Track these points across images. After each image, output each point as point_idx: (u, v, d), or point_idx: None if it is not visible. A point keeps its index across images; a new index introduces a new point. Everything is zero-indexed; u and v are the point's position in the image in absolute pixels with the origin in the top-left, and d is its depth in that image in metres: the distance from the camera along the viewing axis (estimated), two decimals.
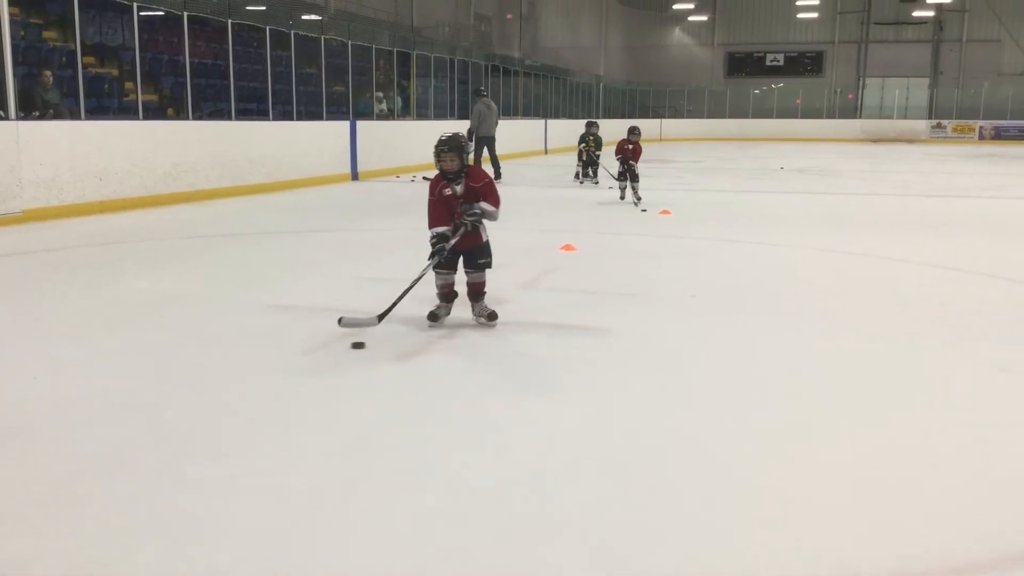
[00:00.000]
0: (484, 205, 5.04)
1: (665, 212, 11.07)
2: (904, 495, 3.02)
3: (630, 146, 12.11)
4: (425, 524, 2.75)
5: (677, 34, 45.91)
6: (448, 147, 4.98)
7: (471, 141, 16.26)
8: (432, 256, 5.02)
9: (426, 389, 4.11)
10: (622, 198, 12.26)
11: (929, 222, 10.99)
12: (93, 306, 5.76)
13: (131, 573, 2.45)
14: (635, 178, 12.06)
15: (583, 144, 15.08)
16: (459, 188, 5.04)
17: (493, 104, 16.88)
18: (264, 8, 15.09)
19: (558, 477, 3.12)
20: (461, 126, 20.92)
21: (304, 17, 16.68)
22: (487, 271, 5.22)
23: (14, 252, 7.80)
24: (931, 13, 40.89)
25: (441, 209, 5.08)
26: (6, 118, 9.46)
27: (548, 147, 26.79)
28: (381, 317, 4.87)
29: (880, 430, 3.64)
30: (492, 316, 5.20)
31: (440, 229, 5.05)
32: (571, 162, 16.55)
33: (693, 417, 3.79)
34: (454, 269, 5.14)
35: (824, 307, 5.97)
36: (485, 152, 16.34)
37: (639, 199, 11.67)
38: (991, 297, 6.47)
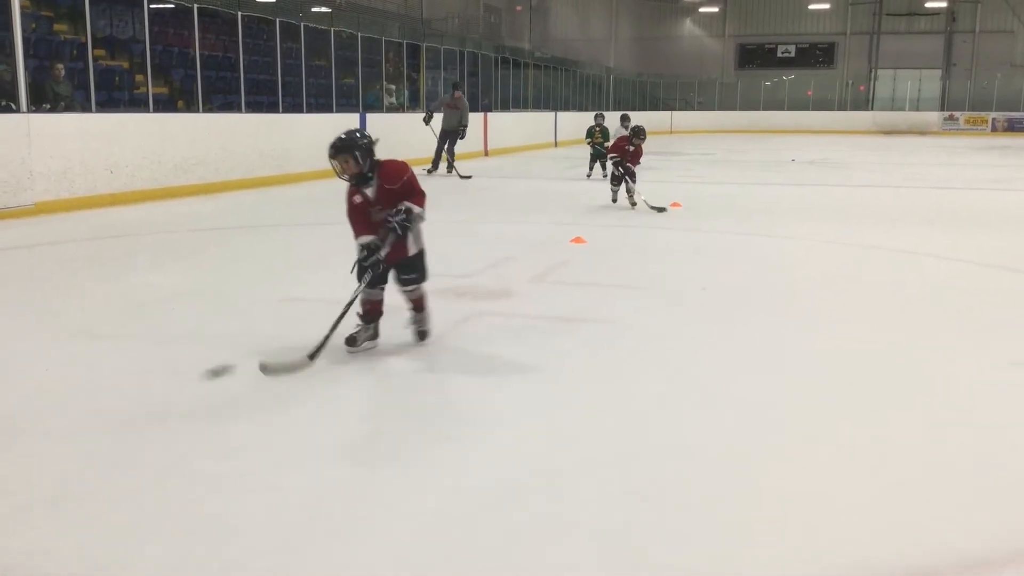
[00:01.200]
0: (410, 206, 4.33)
1: (675, 205, 11.04)
2: (915, 491, 3.01)
3: (631, 147, 10.67)
4: (432, 523, 2.74)
5: (688, 26, 45.72)
6: (336, 151, 4.28)
7: (463, 135, 16.01)
8: (363, 272, 4.37)
9: (434, 384, 4.11)
10: (614, 200, 11.06)
11: (940, 215, 10.93)
12: (104, 300, 5.77)
13: (139, 569, 2.46)
14: (631, 179, 10.70)
15: (589, 138, 15.00)
16: (370, 192, 4.35)
17: None
18: (274, 0, 15.09)
19: (565, 475, 3.11)
20: (473, 119, 20.92)
21: (314, 9, 16.70)
22: (423, 284, 4.60)
23: (25, 245, 7.82)
24: (944, 4, 40.59)
25: (359, 219, 4.40)
26: (17, 111, 9.49)
27: (558, 139, 26.74)
28: (313, 356, 4.10)
29: (890, 425, 3.62)
30: (423, 335, 4.62)
31: (367, 239, 4.34)
32: (581, 154, 16.48)
33: (701, 413, 3.78)
34: (383, 283, 4.48)
35: (833, 301, 5.94)
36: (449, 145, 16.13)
37: (635, 203, 10.65)
38: (1002, 290, 6.42)
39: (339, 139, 4.31)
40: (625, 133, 15.67)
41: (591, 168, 15.17)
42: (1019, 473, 3.19)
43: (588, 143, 15.07)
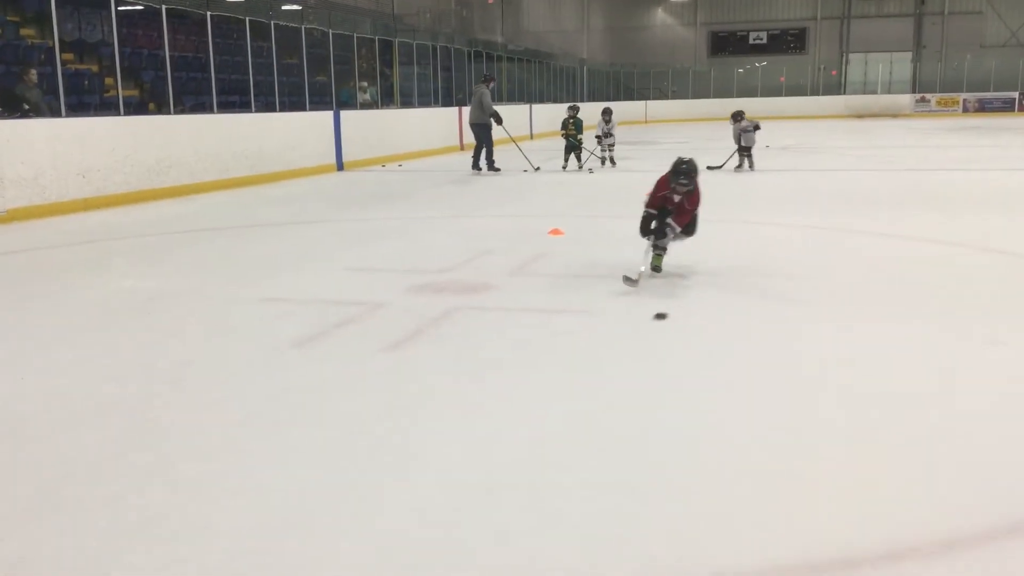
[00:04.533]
0: None
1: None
2: (895, 468, 3.03)
3: (677, 197, 6.09)
4: (415, 519, 2.74)
5: (659, 15, 45.80)
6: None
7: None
8: None
9: (415, 380, 4.10)
10: (648, 270, 6.15)
11: (914, 196, 11.01)
12: (80, 305, 5.72)
13: (121, 574, 2.44)
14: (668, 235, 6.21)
15: (563, 130, 15.01)
16: None
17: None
18: None
19: (546, 467, 3.11)
20: (447, 114, 20.87)
21: (284, 7, 16.57)
22: None
23: None
24: None
25: None
26: None
27: (533, 132, 26.73)
28: None
29: (870, 403, 3.65)
30: None
31: None
32: (556, 146, 16.48)
33: (681, 400, 3.79)
34: None
35: (809, 285, 5.96)
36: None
37: (658, 268, 6.28)
38: (977, 269, 6.48)
39: None
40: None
41: (566, 160, 15.15)
42: (996, 451, 3.22)
43: (563, 135, 15.06)
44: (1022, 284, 6.03)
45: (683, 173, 6.05)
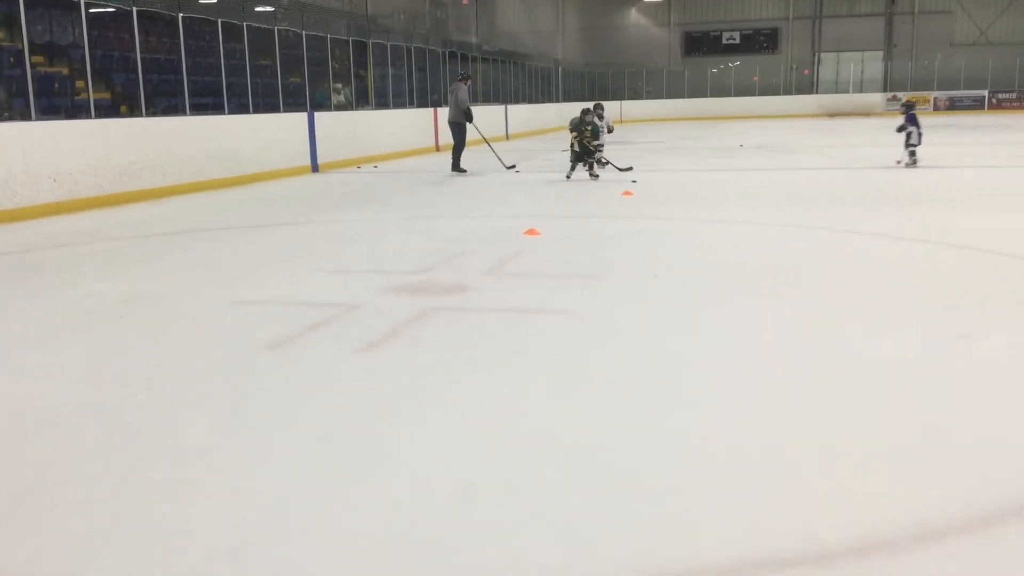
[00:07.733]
0: None
1: (627, 193, 11.10)
2: (866, 463, 3.06)
3: None
4: (393, 519, 2.74)
5: (633, 15, 45.97)
6: None
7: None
8: None
9: (390, 381, 4.09)
10: None
11: (887, 194, 11.11)
12: (51, 310, 5.67)
13: None
14: None
15: (574, 131, 13.13)
16: None
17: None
18: (215, 1, 14.89)
19: (523, 467, 3.12)
20: (423, 115, 20.83)
21: (257, 8, 16.49)
22: None
23: None
24: None
25: None
26: None
27: (509, 132, 26.74)
28: None
29: (841, 399, 3.68)
30: None
31: None
32: (532, 147, 16.46)
33: (656, 398, 3.81)
34: None
35: (784, 284, 6.01)
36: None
37: None
38: (949, 266, 6.56)
39: None
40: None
41: (572, 167, 13.33)
42: (967, 446, 3.26)
43: (573, 138, 13.17)
44: (993, 280, 6.11)
45: None
